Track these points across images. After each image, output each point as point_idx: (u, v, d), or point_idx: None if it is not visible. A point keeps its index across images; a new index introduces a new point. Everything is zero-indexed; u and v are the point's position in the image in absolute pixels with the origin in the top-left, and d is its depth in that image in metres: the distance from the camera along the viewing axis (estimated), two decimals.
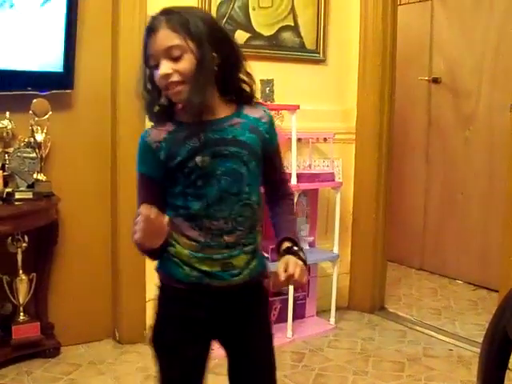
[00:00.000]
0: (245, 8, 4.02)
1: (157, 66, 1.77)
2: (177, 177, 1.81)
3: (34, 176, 3.45)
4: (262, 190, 2.00)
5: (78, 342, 3.81)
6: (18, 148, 3.43)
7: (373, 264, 4.54)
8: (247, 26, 4.04)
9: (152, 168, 1.85)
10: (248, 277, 1.89)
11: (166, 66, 1.75)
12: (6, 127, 3.41)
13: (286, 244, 1.91)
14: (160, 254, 1.85)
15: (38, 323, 3.57)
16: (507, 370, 2.33)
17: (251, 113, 1.91)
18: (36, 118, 3.47)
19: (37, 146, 3.48)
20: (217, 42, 1.80)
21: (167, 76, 1.75)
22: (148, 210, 1.63)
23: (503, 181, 4.40)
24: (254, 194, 1.88)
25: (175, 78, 1.76)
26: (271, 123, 1.95)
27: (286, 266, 1.80)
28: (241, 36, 4.00)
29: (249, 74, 1.90)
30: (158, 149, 1.82)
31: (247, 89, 1.91)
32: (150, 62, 1.79)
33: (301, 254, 1.88)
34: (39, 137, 3.49)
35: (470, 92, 5.24)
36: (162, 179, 1.84)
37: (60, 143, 3.63)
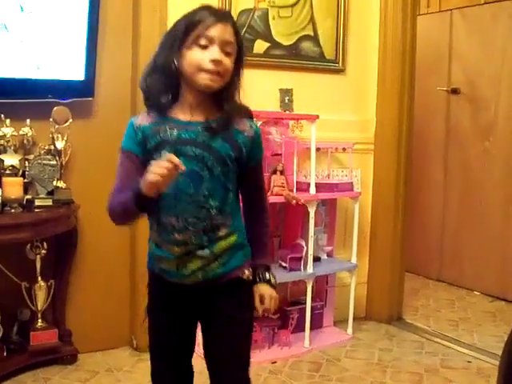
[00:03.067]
0: (265, 17, 4.02)
1: (205, 47, 1.89)
2: (145, 166, 1.84)
3: (54, 183, 3.47)
4: (235, 199, 2.07)
5: (96, 349, 3.82)
6: (39, 155, 3.45)
7: (391, 274, 4.52)
8: (267, 36, 4.05)
9: (134, 145, 1.96)
10: (201, 278, 1.98)
11: (218, 52, 1.88)
12: (26, 134, 3.44)
13: (260, 270, 2.10)
14: (149, 205, 1.89)
15: (56, 330, 3.58)
16: None
17: (235, 123, 1.99)
18: (56, 126, 3.48)
19: (57, 153, 3.50)
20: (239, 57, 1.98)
21: (217, 62, 1.88)
22: (176, 160, 1.73)
23: None
24: (213, 199, 1.95)
25: (220, 68, 1.88)
26: (254, 139, 2.02)
27: (261, 298, 2.06)
28: (260, 45, 4.01)
29: (239, 90, 2.02)
30: (137, 130, 1.96)
31: (239, 101, 2.02)
32: (199, 40, 1.88)
33: (272, 281, 2.09)
34: (59, 144, 3.50)
35: (489, 102, 5.23)
36: (141, 158, 1.95)
37: (80, 151, 3.65)
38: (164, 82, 1.94)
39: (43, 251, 3.52)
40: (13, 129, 3.37)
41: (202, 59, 1.87)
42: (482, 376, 3.61)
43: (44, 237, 3.47)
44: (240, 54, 1.97)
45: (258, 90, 3.76)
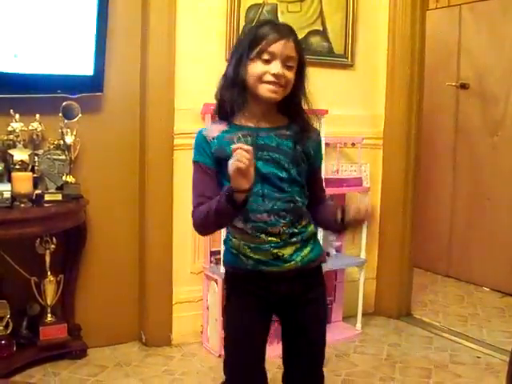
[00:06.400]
0: (273, 12, 4.01)
1: (267, 62, 2.03)
2: (225, 173, 1.97)
3: (63, 178, 3.47)
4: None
5: (105, 344, 3.83)
6: (48, 150, 3.46)
7: (399, 269, 4.52)
8: None
9: (208, 158, 2.09)
10: (300, 263, 2.13)
11: (280, 66, 2.03)
12: (35, 129, 3.44)
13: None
14: (243, 207, 1.96)
15: (65, 325, 3.59)
16: None
17: (301, 129, 2.15)
18: (66, 121, 3.48)
19: (66, 148, 3.50)
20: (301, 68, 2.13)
21: (278, 75, 2.02)
22: (247, 148, 1.85)
23: None
24: (296, 195, 2.12)
25: (281, 80, 2.03)
26: (319, 144, 2.24)
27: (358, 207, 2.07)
28: None
29: (307, 98, 2.19)
30: (211, 143, 2.08)
31: (305, 108, 2.19)
32: (262, 55, 2.03)
33: None
34: (68, 139, 3.50)
35: (498, 98, 5.21)
36: (216, 169, 2.08)
37: (89, 146, 3.65)
38: (234, 94, 2.07)
39: (52, 246, 3.54)
40: (22, 124, 3.37)
41: (264, 72, 2.03)
42: (491, 372, 3.60)
43: (53, 232, 3.48)
44: (302, 66, 2.12)
45: None
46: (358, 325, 4.25)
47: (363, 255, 4.21)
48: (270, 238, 2.08)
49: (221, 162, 2.02)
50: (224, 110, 2.11)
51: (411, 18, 4.35)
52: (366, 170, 4.19)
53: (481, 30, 5.33)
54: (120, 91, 3.77)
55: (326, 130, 3.82)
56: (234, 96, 2.07)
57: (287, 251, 2.10)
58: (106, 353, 3.77)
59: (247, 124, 2.10)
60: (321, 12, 4.17)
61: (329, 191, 3.87)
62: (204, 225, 2.09)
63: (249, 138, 2.03)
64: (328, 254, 4.11)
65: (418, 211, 4.67)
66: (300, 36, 4.04)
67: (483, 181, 5.36)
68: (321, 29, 4.20)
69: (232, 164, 1.84)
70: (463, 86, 5.48)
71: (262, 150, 2.05)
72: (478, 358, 3.82)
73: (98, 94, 3.65)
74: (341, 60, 4.31)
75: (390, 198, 4.48)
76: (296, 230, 2.12)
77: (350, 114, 4.33)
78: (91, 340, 3.73)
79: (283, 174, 2.07)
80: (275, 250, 2.09)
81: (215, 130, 2.10)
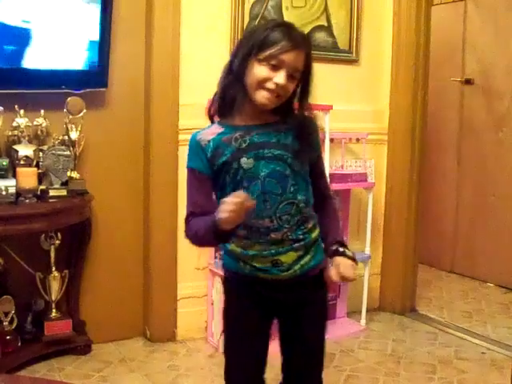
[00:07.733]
0: (278, 8, 4.01)
1: (274, 67, 1.91)
2: (224, 178, 1.97)
3: (68, 174, 3.47)
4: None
5: (109, 340, 3.83)
6: (53, 146, 3.46)
7: (404, 265, 4.52)
8: None
9: (202, 164, 1.98)
10: (299, 272, 2.03)
11: (285, 77, 1.91)
12: (40, 125, 3.45)
13: (334, 246, 2.06)
14: (230, 237, 1.93)
15: (70, 320, 3.60)
16: None
17: (298, 121, 2.05)
18: (70, 116, 3.49)
19: (71, 143, 3.51)
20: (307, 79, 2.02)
21: (280, 86, 1.91)
22: (242, 197, 1.76)
23: None
24: (299, 194, 2.00)
25: (280, 91, 1.93)
26: (317, 132, 2.12)
27: (337, 268, 1.97)
28: None
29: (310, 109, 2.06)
30: (206, 147, 1.97)
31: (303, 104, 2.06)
32: (270, 60, 1.90)
33: (348, 253, 2.03)
34: (73, 135, 3.51)
35: (503, 93, 5.20)
36: (210, 176, 1.99)
37: (94, 141, 3.65)
38: (237, 90, 1.97)
39: (57, 241, 3.54)
40: (27, 119, 3.38)
41: (268, 78, 1.92)
42: (496, 367, 3.59)
43: (58, 227, 3.48)
44: (308, 78, 2.00)
45: None
46: (363, 320, 4.25)
47: (368, 251, 4.20)
48: (272, 246, 1.99)
49: (217, 167, 1.97)
50: (223, 107, 2.03)
51: (416, 13, 4.34)
52: (370, 166, 4.19)
53: (486, 25, 5.32)
54: (124, 86, 3.77)
55: (331, 125, 3.83)
56: (236, 93, 1.97)
57: (288, 259, 2.00)
58: (110, 348, 3.78)
59: (241, 123, 2.00)
60: (325, 7, 4.16)
61: (334, 187, 3.88)
62: (195, 241, 2.04)
63: (247, 138, 1.96)
64: None
65: (423, 207, 4.67)
66: (304, 31, 4.08)
67: (488, 177, 5.34)
68: (325, 24, 4.19)
69: (221, 212, 1.77)
70: (468, 82, 5.47)
71: (262, 147, 1.96)
72: (483, 353, 3.81)
73: (102, 89, 3.64)
74: (345, 55, 4.30)
75: (395, 194, 4.48)
76: (300, 236, 2.01)
77: (355, 109, 4.33)
78: (96, 335, 3.74)
79: (287, 171, 1.97)
80: (276, 257, 1.99)
81: (209, 133, 2.00)
